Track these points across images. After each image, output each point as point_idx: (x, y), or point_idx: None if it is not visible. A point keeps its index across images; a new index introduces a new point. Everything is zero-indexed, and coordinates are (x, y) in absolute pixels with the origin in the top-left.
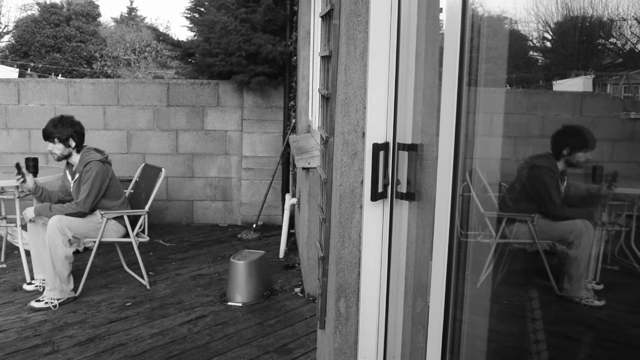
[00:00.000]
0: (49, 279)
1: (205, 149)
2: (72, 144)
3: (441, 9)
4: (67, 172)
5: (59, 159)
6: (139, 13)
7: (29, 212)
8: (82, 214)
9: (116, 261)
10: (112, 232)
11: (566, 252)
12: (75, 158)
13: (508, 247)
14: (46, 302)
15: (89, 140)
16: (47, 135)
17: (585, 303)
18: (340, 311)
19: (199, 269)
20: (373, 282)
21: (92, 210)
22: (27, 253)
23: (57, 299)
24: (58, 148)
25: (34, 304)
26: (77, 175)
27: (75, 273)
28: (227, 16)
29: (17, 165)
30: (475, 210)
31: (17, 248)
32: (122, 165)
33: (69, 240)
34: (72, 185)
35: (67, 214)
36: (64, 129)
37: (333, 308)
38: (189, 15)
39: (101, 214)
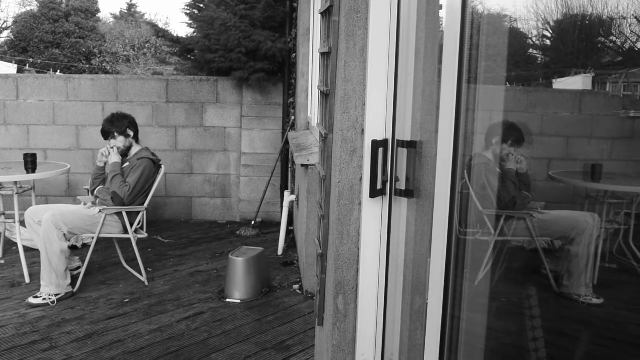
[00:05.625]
0: (44, 275)
1: (204, 145)
2: (131, 133)
3: (441, 6)
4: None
5: (123, 153)
6: (138, 9)
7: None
8: (120, 201)
9: (114, 258)
10: (110, 228)
11: (567, 248)
12: (135, 150)
13: (507, 245)
14: (44, 299)
15: (89, 135)
16: (107, 133)
17: (583, 301)
18: (338, 308)
19: (197, 265)
20: (371, 279)
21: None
22: (25, 249)
23: (55, 295)
24: (120, 141)
25: (31, 300)
26: (127, 164)
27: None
28: (226, 12)
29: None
30: (474, 208)
31: (16, 244)
32: None
33: (64, 234)
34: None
35: (106, 197)
36: (119, 122)
37: (331, 305)
38: (188, 12)
39: (100, 209)
